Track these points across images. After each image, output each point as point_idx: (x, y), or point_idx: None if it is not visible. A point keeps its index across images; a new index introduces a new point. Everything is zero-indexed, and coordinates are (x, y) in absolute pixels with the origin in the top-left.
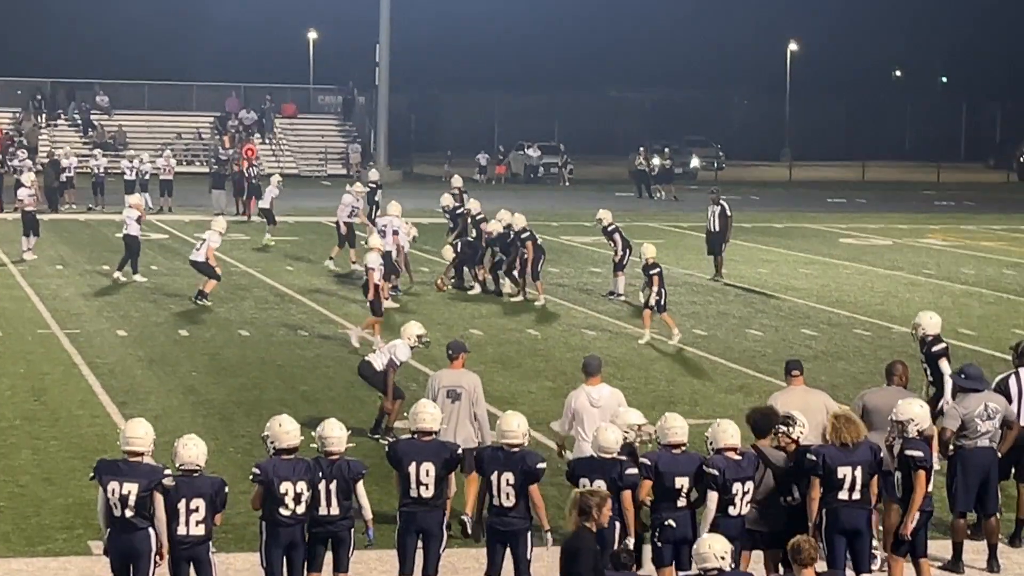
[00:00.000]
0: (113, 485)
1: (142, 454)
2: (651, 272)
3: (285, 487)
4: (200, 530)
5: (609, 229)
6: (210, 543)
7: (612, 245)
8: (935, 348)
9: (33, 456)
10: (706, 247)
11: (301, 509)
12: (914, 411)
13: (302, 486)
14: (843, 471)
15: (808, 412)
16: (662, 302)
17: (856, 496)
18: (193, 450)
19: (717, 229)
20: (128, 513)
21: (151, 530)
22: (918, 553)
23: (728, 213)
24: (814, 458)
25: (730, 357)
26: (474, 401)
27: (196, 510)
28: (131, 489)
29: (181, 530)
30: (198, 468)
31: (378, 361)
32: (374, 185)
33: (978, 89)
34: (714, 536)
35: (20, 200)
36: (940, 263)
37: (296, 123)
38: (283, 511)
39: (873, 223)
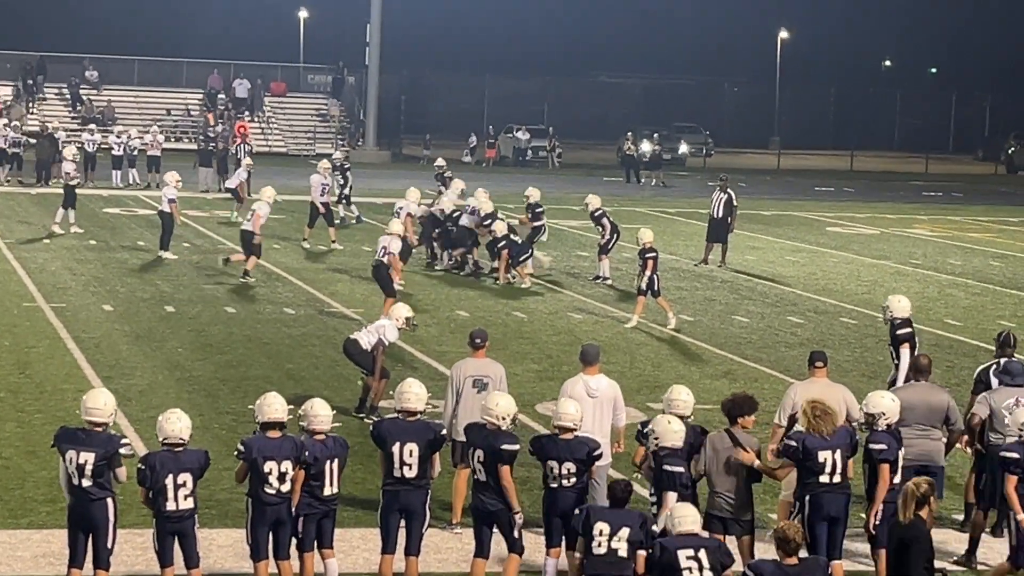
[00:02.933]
0: (71, 454)
1: (102, 424)
2: (647, 256)
3: (269, 466)
4: (188, 504)
5: (596, 214)
6: (196, 516)
7: (600, 230)
8: (899, 332)
9: (17, 429)
10: (706, 233)
11: (286, 488)
12: (886, 405)
13: (287, 465)
14: (823, 455)
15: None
16: (655, 287)
17: (837, 479)
18: (177, 424)
19: (720, 216)
20: (85, 482)
21: (109, 500)
22: (878, 544)
23: (735, 202)
24: (793, 443)
25: (716, 343)
26: (500, 391)
27: (184, 484)
28: (88, 458)
29: (170, 506)
30: (182, 442)
31: (364, 340)
32: (340, 164)
33: (967, 81)
34: (685, 505)
35: (66, 173)
36: (927, 253)
37: (285, 101)
38: (267, 489)
39: (861, 212)
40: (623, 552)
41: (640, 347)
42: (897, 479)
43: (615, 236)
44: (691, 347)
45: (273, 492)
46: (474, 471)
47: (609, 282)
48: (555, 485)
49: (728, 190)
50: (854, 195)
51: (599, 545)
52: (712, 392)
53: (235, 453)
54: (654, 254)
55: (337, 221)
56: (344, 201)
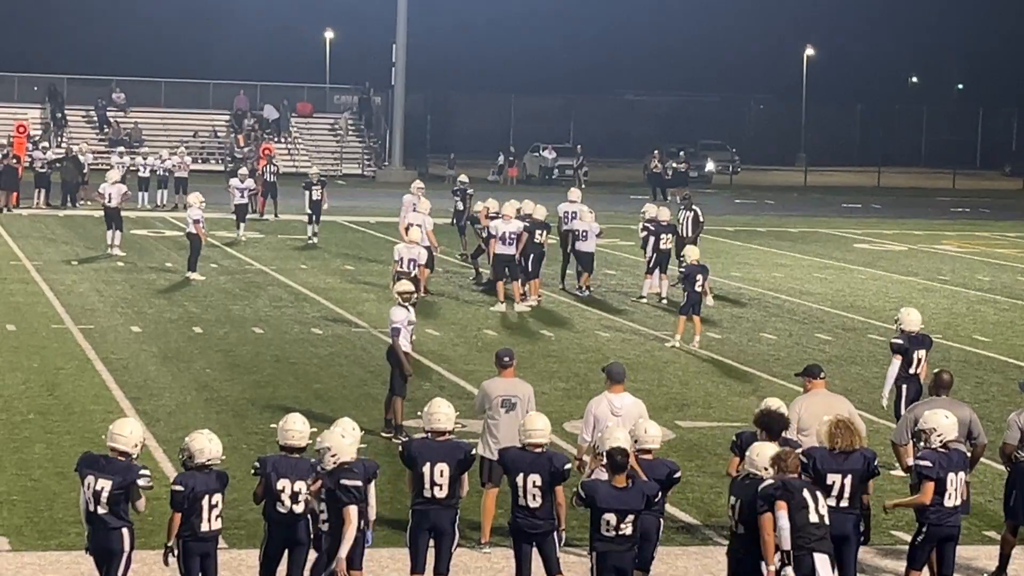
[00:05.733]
0: (89, 479)
1: (126, 454)
2: (691, 274)
3: (282, 484)
4: (219, 524)
5: (652, 228)
6: (219, 537)
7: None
8: (892, 340)
9: (46, 450)
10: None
11: (299, 508)
12: (939, 421)
13: (300, 485)
14: (833, 477)
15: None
16: (687, 304)
17: (844, 504)
18: (218, 445)
19: (690, 234)
20: (100, 510)
21: (125, 530)
22: (914, 564)
23: (701, 219)
24: (805, 460)
25: (744, 360)
26: (528, 411)
27: (216, 505)
28: (105, 485)
29: (204, 527)
30: (220, 462)
31: (405, 342)
32: (314, 181)
33: (994, 96)
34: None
35: (109, 196)
36: (955, 269)
37: (312, 122)
38: (280, 508)
39: (888, 229)
40: (629, 532)
41: (668, 365)
42: (952, 502)
43: (655, 255)
44: (719, 365)
45: (284, 511)
46: (523, 496)
47: (644, 300)
48: None
49: (693, 207)
50: (881, 211)
51: (608, 529)
52: (741, 410)
53: (252, 470)
54: (684, 272)
55: (312, 241)
56: (313, 220)
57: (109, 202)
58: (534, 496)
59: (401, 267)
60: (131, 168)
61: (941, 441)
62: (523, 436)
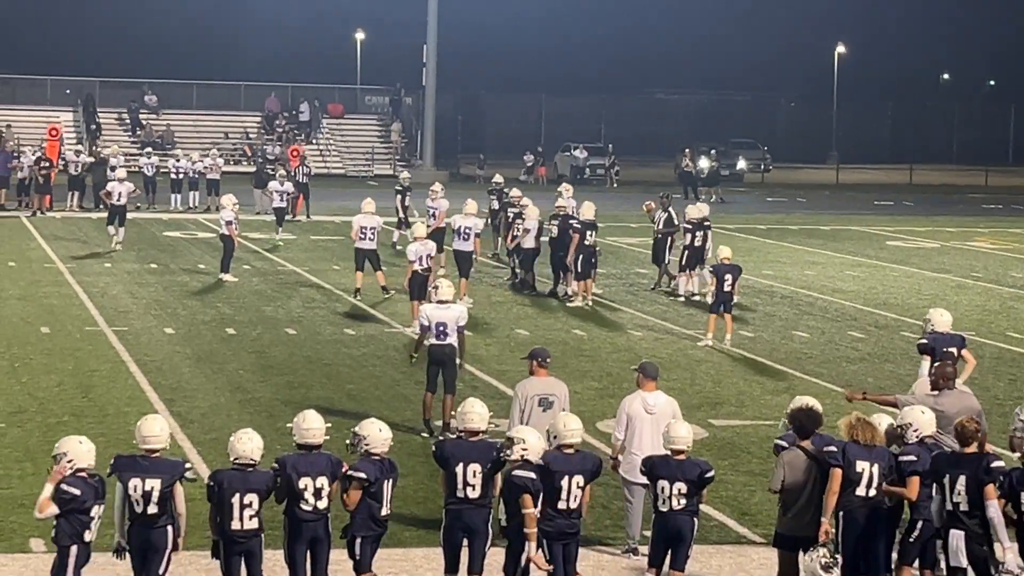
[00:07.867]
0: (135, 482)
1: (160, 450)
2: (720, 273)
3: (304, 482)
4: (254, 524)
5: (690, 226)
6: (262, 536)
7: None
8: (919, 342)
9: None
10: (652, 254)
11: (323, 504)
12: (916, 416)
13: (322, 481)
14: (862, 465)
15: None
16: (717, 303)
17: (872, 493)
18: (248, 444)
19: (662, 236)
20: (152, 509)
21: (170, 527)
22: (925, 563)
23: (675, 221)
24: (834, 449)
25: (776, 358)
26: (564, 409)
27: (249, 505)
28: (154, 485)
29: (235, 525)
30: (253, 463)
31: (454, 339)
32: (407, 187)
33: None
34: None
35: (118, 194)
36: (988, 266)
37: (343, 123)
38: (303, 506)
39: (920, 226)
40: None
41: (700, 363)
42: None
43: (686, 253)
44: (752, 363)
45: (309, 509)
46: (566, 500)
47: (682, 299)
48: (665, 508)
49: (669, 209)
50: (913, 209)
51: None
52: (774, 408)
53: (270, 471)
54: (712, 270)
55: (400, 247)
56: (404, 225)
57: (119, 200)
58: (575, 497)
59: (419, 264)
60: (161, 170)
61: (918, 436)
62: (558, 438)
